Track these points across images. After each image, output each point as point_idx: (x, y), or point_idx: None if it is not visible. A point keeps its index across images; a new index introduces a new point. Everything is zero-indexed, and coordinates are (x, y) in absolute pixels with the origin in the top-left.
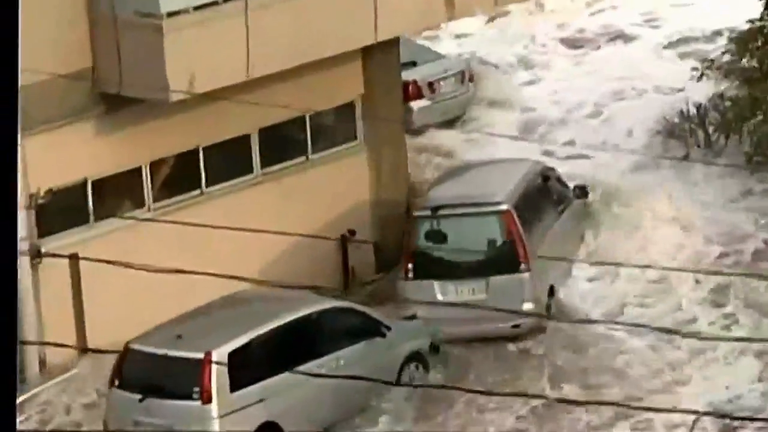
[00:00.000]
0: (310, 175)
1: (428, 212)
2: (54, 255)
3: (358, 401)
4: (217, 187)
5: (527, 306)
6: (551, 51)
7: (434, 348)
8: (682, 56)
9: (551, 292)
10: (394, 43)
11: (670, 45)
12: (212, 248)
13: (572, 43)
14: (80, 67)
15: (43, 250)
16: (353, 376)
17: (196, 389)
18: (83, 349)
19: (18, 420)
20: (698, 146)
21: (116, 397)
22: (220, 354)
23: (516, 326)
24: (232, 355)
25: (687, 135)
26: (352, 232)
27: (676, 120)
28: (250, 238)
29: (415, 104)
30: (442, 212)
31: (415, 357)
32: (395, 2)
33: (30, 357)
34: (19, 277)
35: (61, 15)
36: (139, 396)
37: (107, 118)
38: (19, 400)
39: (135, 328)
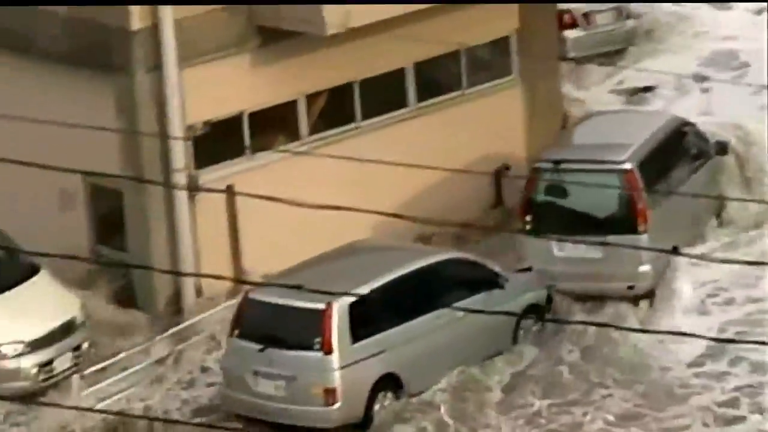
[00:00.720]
0: (465, 109)
1: (550, 165)
2: (209, 190)
3: (476, 352)
4: (371, 120)
5: (643, 268)
6: None
7: (549, 301)
8: None
9: (675, 251)
10: None
11: None
12: (366, 180)
13: None
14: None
15: (200, 182)
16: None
17: (317, 340)
18: (238, 281)
19: (177, 348)
20: None
21: (236, 346)
22: (341, 305)
23: (631, 287)
24: (353, 306)
25: None
26: (507, 167)
27: None
28: (404, 171)
29: (570, 33)
30: (564, 166)
31: (531, 309)
32: None
33: (186, 287)
34: (176, 208)
35: None
36: (259, 346)
37: (264, 51)
38: (176, 328)
39: (289, 260)
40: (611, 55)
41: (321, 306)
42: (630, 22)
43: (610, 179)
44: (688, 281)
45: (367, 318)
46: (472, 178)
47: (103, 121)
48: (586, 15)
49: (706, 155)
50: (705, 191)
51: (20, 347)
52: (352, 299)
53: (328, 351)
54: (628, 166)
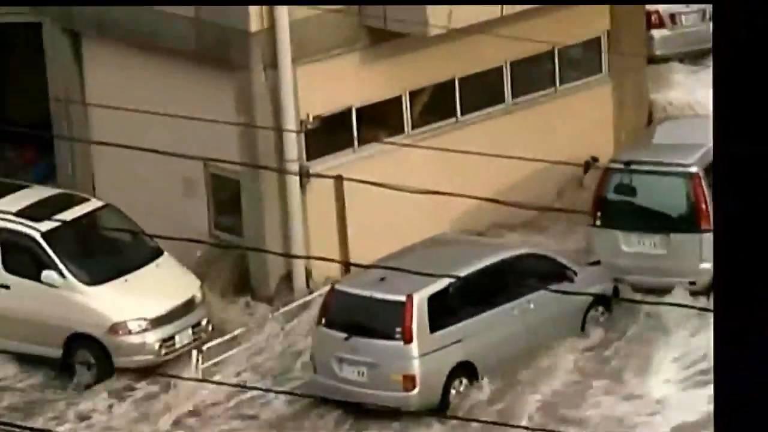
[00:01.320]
0: (558, 105)
1: (621, 165)
2: (321, 175)
3: (545, 341)
4: (471, 115)
5: (704, 266)
6: None
7: (616, 293)
8: None
9: None
10: None
11: None
12: (464, 171)
13: None
14: (347, 2)
15: (311, 171)
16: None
17: (398, 329)
18: (346, 264)
19: (287, 326)
20: None
21: (323, 334)
22: (421, 297)
23: (692, 283)
24: (432, 298)
25: None
26: (595, 159)
27: None
28: (499, 163)
29: (657, 33)
30: (634, 167)
31: (599, 301)
32: None
33: (297, 270)
34: (288, 195)
35: None
36: (344, 335)
37: (371, 51)
38: (286, 308)
39: (390, 246)
40: (696, 54)
41: (402, 298)
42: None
43: (677, 181)
44: None
45: (445, 309)
46: (564, 168)
47: (223, 115)
48: (672, 16)
49: None
50: None
51: (144, 324)
52: (432, 291)
53: (408, 340)
54: (694, 169)
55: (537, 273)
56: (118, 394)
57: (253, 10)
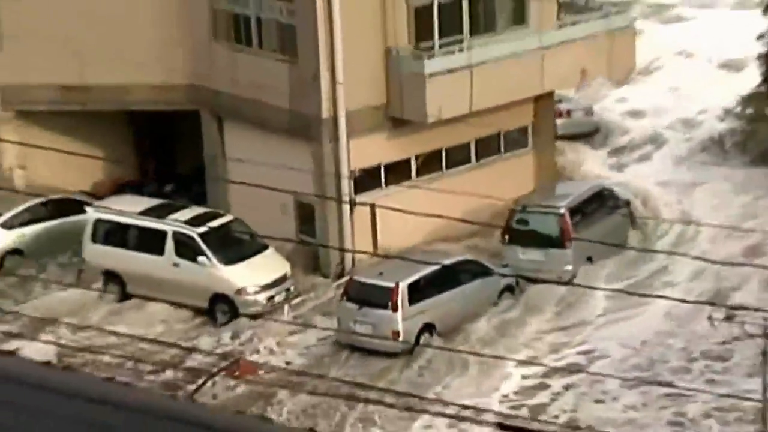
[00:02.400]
0: (502, 166)
1: (520, 208)
2: (362, 204)
3: (475, 310)
4: (451, 170)
5: (567, 267)
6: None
7: (517, 283)
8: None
9: (589, 260)
10: (551, 93)
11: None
12: (447, 204)
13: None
14: (379, 102)
15: (356, 201)
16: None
17: (389, 303)
18: (375, 255)
19: (339, 293)
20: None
21: (344, 306)
22: (403, 284)
23: (560, 277)
24: (410, 285)
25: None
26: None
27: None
28: (467, 199)
29: (559, 121)
30: (528, 208)
31: (507, 288)
32: (550, 72)
33: (347, 259)
34: (343, 215)
35: (374, 74)
36: (357, 306)
37: (393, 131)
38: (340, 281)
39: (403, 245)
40: (580, 135)
41: (392, 285)
42: (593, 118)
43: (552, 217)
44: (593, 276)
45: (417, 292)
46: (502, 204)
47: (305, 166)
48: (568, 111)
49: (617, 206)
50: (615, 228)
51: (257, 288)
52: (409, 281)
53: (395, 310)
54: (562, 210)
55: (472, 271)
56: (241, 327)
57: (324, 104)
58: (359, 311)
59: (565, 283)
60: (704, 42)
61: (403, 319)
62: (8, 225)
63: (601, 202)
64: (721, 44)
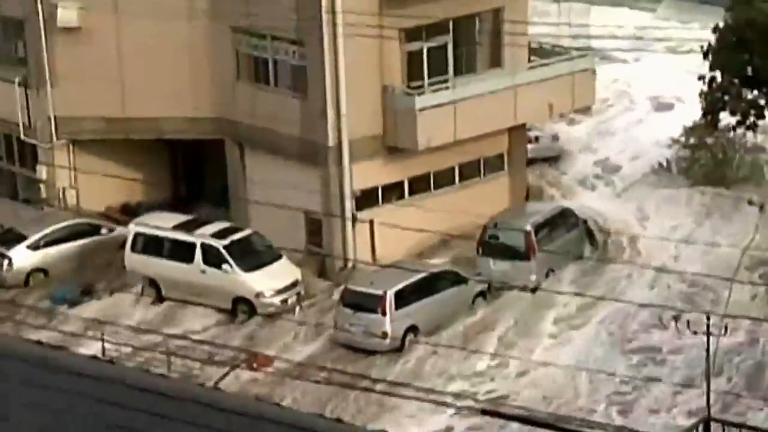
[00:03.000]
0: (482, 187)
1: (492, 224)
2: (362, 220)
3: (452, 313)
4: (438, 190)
5: (532, 277)
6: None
7: (489, 289)
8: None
9: (551, 271)
10: (523, 124)
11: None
12: (434, 219)
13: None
14: (377, 132)
15: (358, 217)
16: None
17: (379, 308)
18: (374, 265)
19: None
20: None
21: (341, 310)
22: (391, 292)
23: (525, 285)
24: (396, 292)
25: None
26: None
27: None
28: (451, 215)
29: (529, 146)
30: (499, 226)
31: (480, 294)
32: (522, 107)
33: (350, 267)
34: (346, 229)
35: (373, 108)
36: (352, 311)
37: (388, 156)
38: (341, 287)
39: (397, 254)
40: (547, 158)
41: (381, 292)
42: (558, 143)
43: (518, 234)
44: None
45: (403, 298)
46: (480, 221)
47: (314, 188)
48: (536, 137)
49: (576, 225)
50: (574, 243)
51: (272, 291)
52: (396, 289)
53: (383, 314)
54: (528, 228)
55: (450, 279)
56: (260, 324)
57: (330, 134)
58: (353, 315)
59: (533, 290)
60: (643, 83)
61: (390, 322)
62: (34, 246)
63: (562, 220)
64: (657, 85)
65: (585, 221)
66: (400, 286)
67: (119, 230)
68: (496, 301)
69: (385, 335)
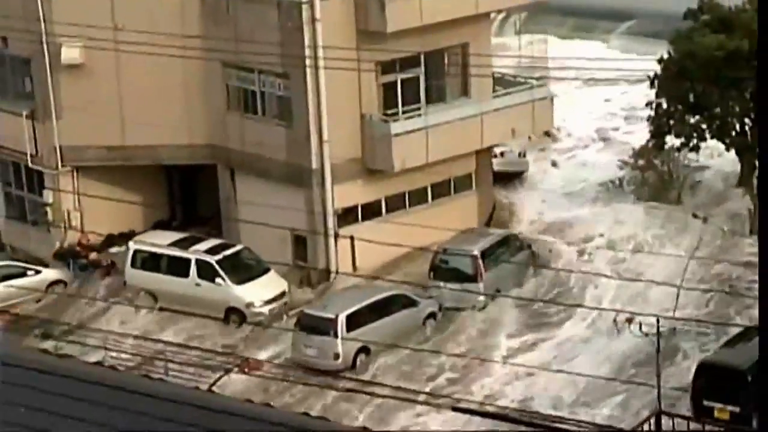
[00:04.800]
0: (452, 204)
1: (442, 250)
2: (343, 236)
3: (404, 334)
4: (412, 208)
5: (480, 298)
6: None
7: (439, 310)
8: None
9: (498, 291)
10: (489, 148)
11: None
12: (410, 235)
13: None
14: (356, 155)
15: (339, 233)
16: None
17: (331, 331)
18: (356, 276)
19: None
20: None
21: (297, 333)
22: (341, 316)
23: (474, 305)
24: (348, 316)
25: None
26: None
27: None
28: (423, 230)
29: (494, 161)
30: (448, 251)
31: (431, 315)
32: (488, 132)
33: (332, 278)
34: (329, 244)
35: (352, 134)
36: (307, 333)
37: (367, 177)
38: (327, 296)
39: (375, 266)
40: (512, 173)
41: (332, 316)
42: (524, 159)
43: (466, 258)
44: (500, 305)
45: (355, 320)
46: (450, 234)
47: (299, 208)
48: (501, 153)
49: (522, 249)
50: (518, 267)
51: (261, 302)
52: (347, 313)
53: (335, 335)
54: (475, 252)
55: (400, 302)
56: (251, 330)
57: (314, 158)
58: (308, 337)
59: (480, 309)
60: (582, 112)
61: (342, 343)
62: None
63: (508, 246)
64: (597, 112)
65: (530, 245)
66: (351, 309)
67: (45, 273)
68: (447, 322)
69: (337, 356)
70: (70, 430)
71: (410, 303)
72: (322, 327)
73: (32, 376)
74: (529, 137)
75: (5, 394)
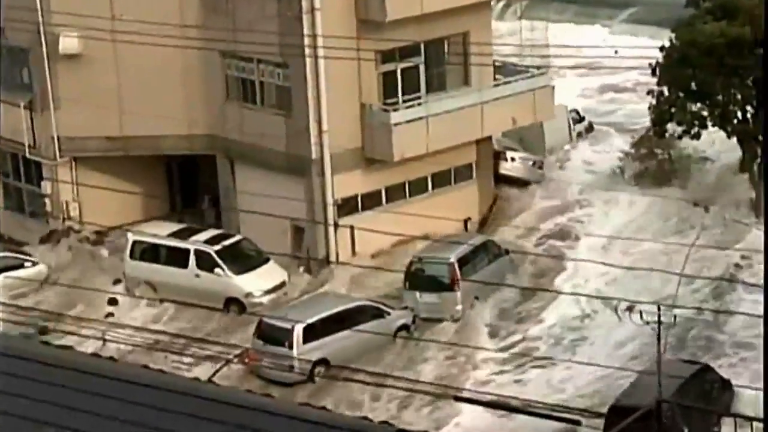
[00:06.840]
0: (452, 194)
1: (417, 259)
2: (343, 226)
3: (369, 350)
4: (413, 197)
5: (458, 307)
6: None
7: (413, 322)
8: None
9: (476, 298)
10: (489, 138)
11: None
12: (410, 225)
13: None
14: (356, 145)
15: (339, 223)
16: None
17: (287, 342)
18: (355, 266)
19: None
20: None
21: (255, 342)
22: (298, 326)
23: (452, 315)
24: (306, 327)
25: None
26: (469, 219)
27: None
28: (424, 219)
29: (507, 165)
30: (424, 259)
31: (403, 327)
32: (488, 121)
33: (332, 267)
34: (329, 234)
35: (352, 124)
36: (263, 342)
37: (367, 167)
38: (326, 285)
39: (373, 256)
40: (527, 182)
41: (290, 326)
42: (540, 170)
43: (442, 266)
44: (479, 313)
45: (313, 332)
46: (452, 224)
47: (298, 197)
48: (512, 159)
49: (499, 255)
50: (496, 273)
51: (261, 292)
52: (306, 323)
53: (290, 347)
54: (452, 260)
55: (368, 313)
56: (249, 319)
57: (313, 148)
58: (264, 347)
59: (456, 320)
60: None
61: (298, 355)
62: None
63: (485, 252)
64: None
65: (507, 251)
66: (311, 320)
67: (42, 264)
68: (421, 334)
69: (291, 368)
70: (71, 421)
71: (380, 314)
72: (279, 337)
73: (32, 366)
74: (513, 120)
75: (5, 385)
